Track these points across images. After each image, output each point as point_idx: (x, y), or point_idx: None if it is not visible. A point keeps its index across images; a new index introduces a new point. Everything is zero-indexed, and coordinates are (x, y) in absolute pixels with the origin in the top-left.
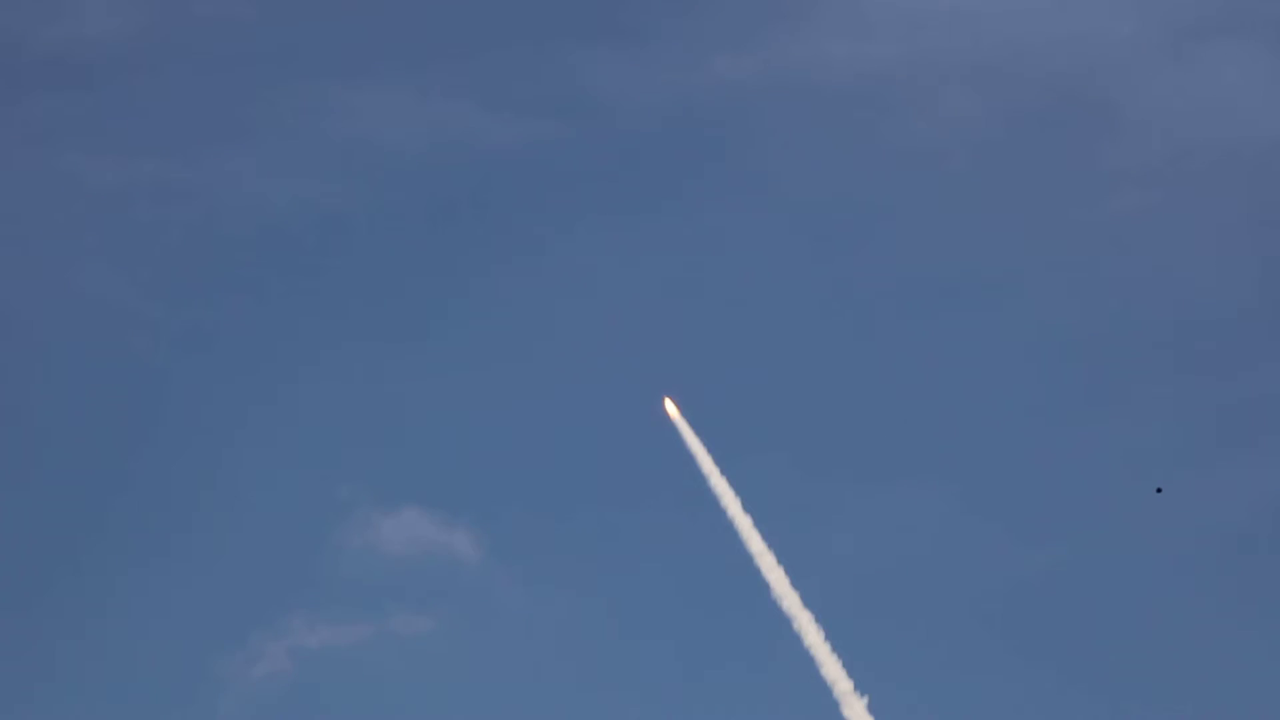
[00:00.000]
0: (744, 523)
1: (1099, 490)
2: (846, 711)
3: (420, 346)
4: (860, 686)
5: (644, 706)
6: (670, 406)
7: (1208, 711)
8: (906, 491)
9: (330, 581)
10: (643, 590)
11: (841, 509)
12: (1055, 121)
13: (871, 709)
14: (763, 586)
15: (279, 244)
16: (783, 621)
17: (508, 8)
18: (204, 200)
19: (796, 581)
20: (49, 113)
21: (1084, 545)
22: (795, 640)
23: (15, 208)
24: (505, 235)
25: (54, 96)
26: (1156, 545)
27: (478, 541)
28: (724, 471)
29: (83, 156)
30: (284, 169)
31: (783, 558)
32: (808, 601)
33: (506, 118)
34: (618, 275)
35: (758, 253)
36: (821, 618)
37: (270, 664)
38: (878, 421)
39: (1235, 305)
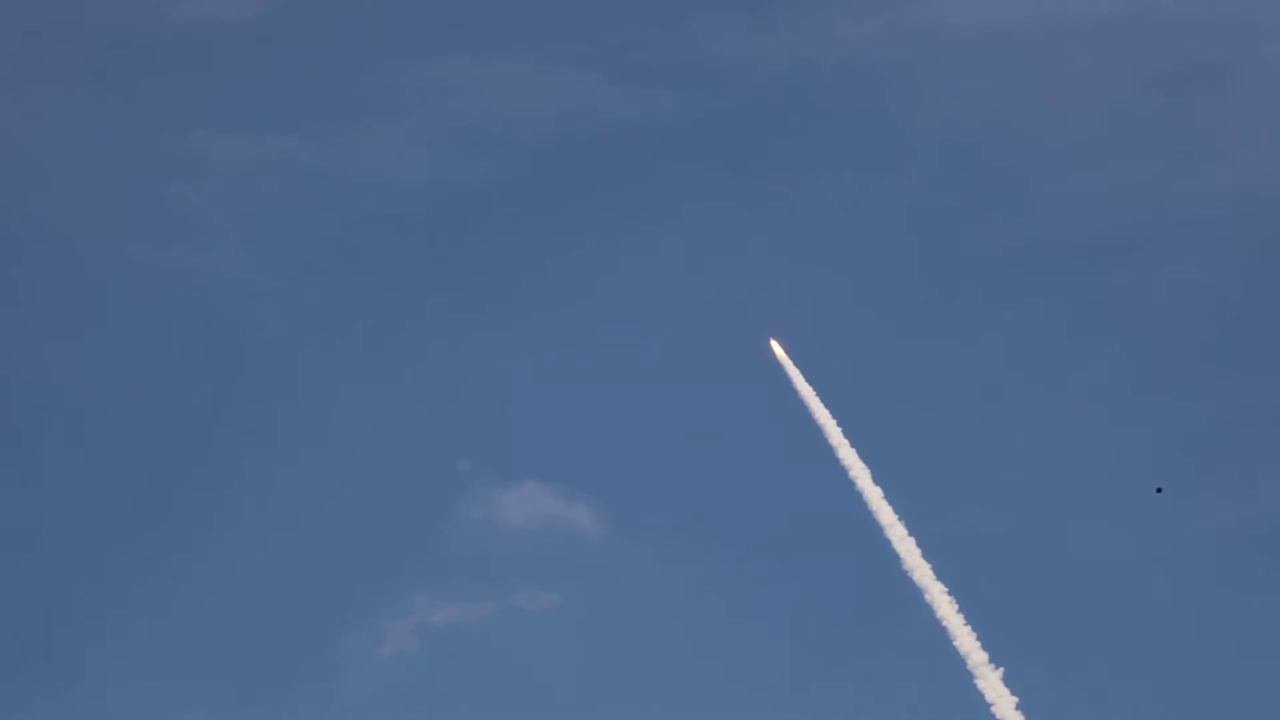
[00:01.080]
0: (874, 494)
1: (1215, 463)
2: (981, 684)
3: (539, 319)
4: (995, 659)
5: (771, 682)
6: (776, 347)
7: None
8: (1032, 458)
9: (453, 557)
10: (769, 563)
11: (968, 477)
12: (1182, 82)
13: (1006, 680)
14: (893, 558)
15: (404, 221)
16: (915, 593)
17: None
18: (331, 178)
19: (928, 554)
20: (178, 91)
21: (1216, 513)
22: (928, 612)
23: (145, 186)
24: (629, 209)
25: (183, 75)
26: None
27: (599, 515)
28: (852, 442)
29: (211, 134)
30: (410, 146)
31: (913, 529)
32: (940, 574)
33: (630, 89)
34: (741, 247)
35: (879, 218)
36: (954, 590)
37: (396, 642)
38: (999, 387)
39: None
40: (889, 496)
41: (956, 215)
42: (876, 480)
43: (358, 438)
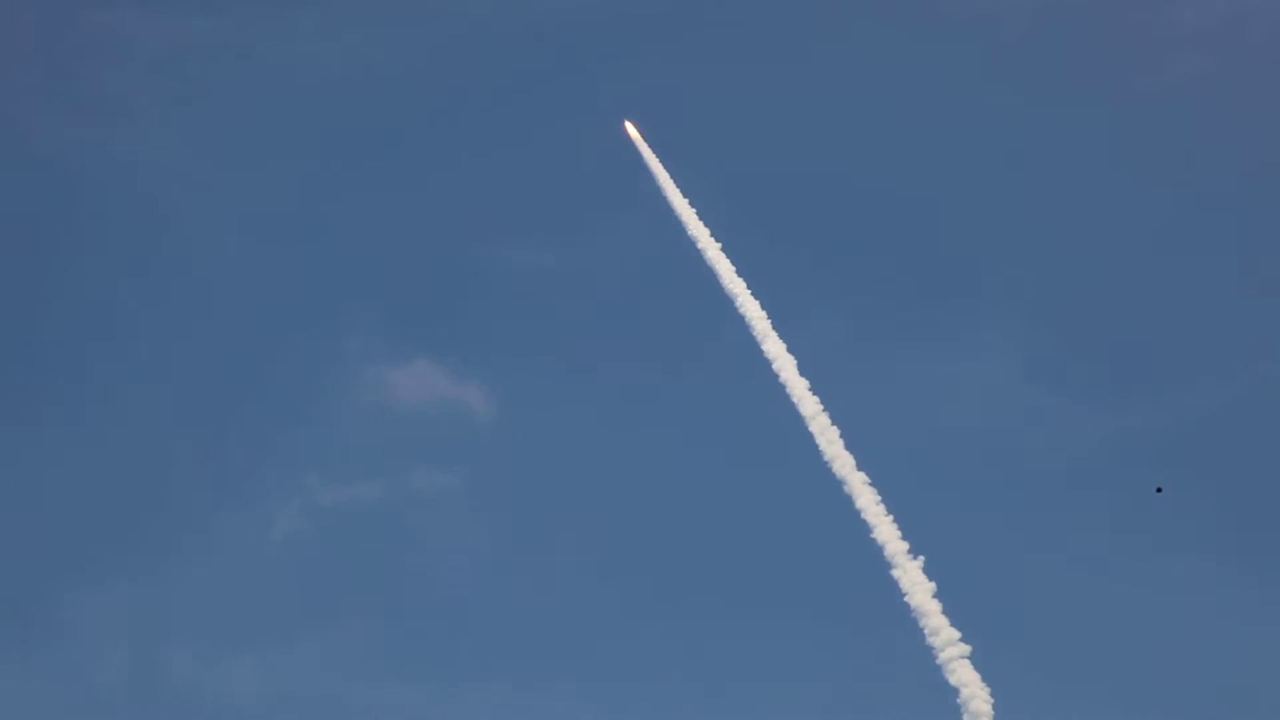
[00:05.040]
0: (798, 385)
1: (1158, 354)
2: (897, 573)
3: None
4: (915, 549)
5: (679, 569)
6: (630, 129)
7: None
8: (961, 352)
9: (343, 437)
10: (680, 449)
11: (896, 369)
12: None
13: (927, 570)
14: (814, 449)
15: (331, 106)
16: (834, 484)
17: None
18: (258, 62)
19: (850, 444)
20: None
21: (1145, 409)
22: (847, 502)
23: (69, 67)
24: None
25: None
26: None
27: (491, 394)
28: (779, 332)
29: (137, 15)
30: (341, 30)
31: (837, 419)
32: (862, 464)
33: None
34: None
35: (803, 112)
36: (876, 480)
37: (286, 525)
38: (934, 278)
39: None
40: (814, 386)
41: (886, 117)
42: (803, 371)
43: (251, 318)
